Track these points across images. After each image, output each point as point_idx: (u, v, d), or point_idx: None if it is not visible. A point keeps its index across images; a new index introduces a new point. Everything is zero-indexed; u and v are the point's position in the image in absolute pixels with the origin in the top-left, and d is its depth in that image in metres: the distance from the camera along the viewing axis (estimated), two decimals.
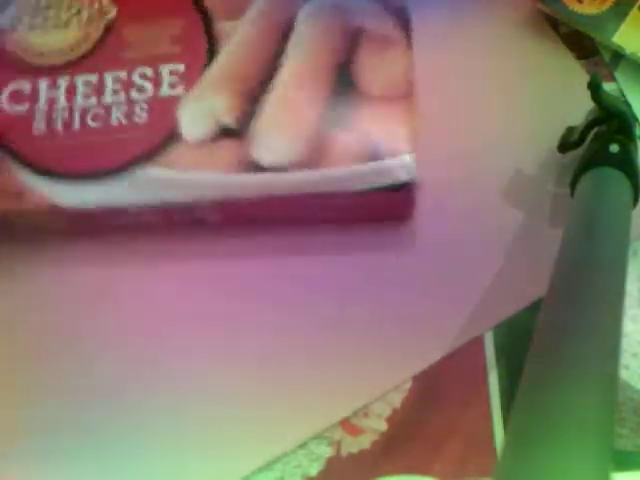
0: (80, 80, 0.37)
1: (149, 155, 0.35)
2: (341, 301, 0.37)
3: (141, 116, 0.36)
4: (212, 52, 0.37)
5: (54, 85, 0.37)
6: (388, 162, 0.34)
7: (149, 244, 0.38)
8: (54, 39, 0.38)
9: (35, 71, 0.38)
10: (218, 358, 0.36)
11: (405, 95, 0.36)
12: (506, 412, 0.34)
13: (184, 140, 0.36)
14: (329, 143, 0.35)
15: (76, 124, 0.37)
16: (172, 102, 0.36)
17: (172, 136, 0.36)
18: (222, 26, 0.38)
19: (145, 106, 0.36)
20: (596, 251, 0.29)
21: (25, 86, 0.38)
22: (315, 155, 0.35)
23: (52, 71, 0.38)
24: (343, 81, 0.36)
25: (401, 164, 0.34)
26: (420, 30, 0.41)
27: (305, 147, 0.35)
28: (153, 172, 0.35)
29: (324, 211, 0.37)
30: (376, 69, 0.36)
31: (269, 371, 0.35)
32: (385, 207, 0.37)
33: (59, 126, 0.37)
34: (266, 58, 0.37)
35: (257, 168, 0.35)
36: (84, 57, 0.38)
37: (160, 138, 0.36)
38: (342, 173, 0.35)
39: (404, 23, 0.37)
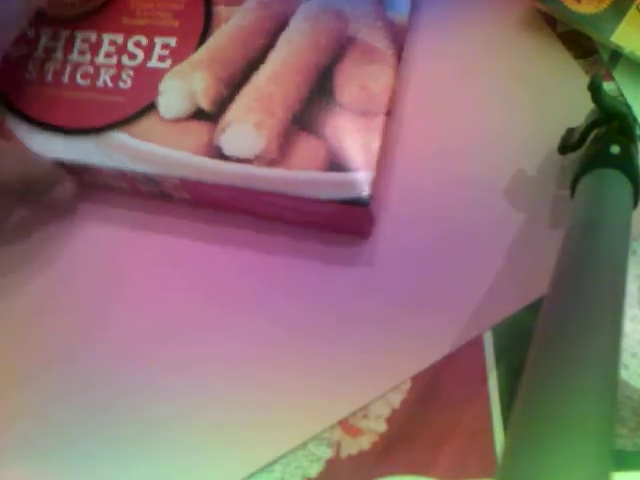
0: (79, 36, 0.39)
1: (123, 121, 0.36)
2: (340, 301, 0.37)
3: (126, 82, 0.37)
4: (205, 33, 0.38)
5: (55, 36, 0.39)
6: (346, 175, 0.34)
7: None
8: None
9: (41, 19, 0.39)
10: (217, 357, 0.36)
11: (378, 112, 0.35)
12: (506, 412, 0.34)
13: (159, 114, 0.36)
14: (295, 144, 0.35)
15: (65, 77, 0.38)
16: (157, 74, 0.37)
17: (149, 108, 0.37)
18: (221, 10, 0.38)
19: (131, 73, 0.37)
20: (597, 252, 0.30)
21: (30, 32, 0.39)
22: (279, 153, 0.35)
23: (55, 22, 0.39)
24: (322, 85, 0.36)
25: (358, 181, 0.34)
26: (417, 30, 0.41)
27: (270, 144, 0.35)
28: (121, 138, 0.36)
29: (284, 211, 0.36)
30: (354, 80, 0.36)
31: (268, 372, 0.35)
32: (343, 220, 0.36)
33: (49, 76, 0.38)
34: (254, 48, 0.37)
35: (221, 155, 0.35)
36: (89, 14, 0.39)
37: (137, 107, 0.37)
38: (299, 177, 0.34)
39: (398, 41, 0.37)
